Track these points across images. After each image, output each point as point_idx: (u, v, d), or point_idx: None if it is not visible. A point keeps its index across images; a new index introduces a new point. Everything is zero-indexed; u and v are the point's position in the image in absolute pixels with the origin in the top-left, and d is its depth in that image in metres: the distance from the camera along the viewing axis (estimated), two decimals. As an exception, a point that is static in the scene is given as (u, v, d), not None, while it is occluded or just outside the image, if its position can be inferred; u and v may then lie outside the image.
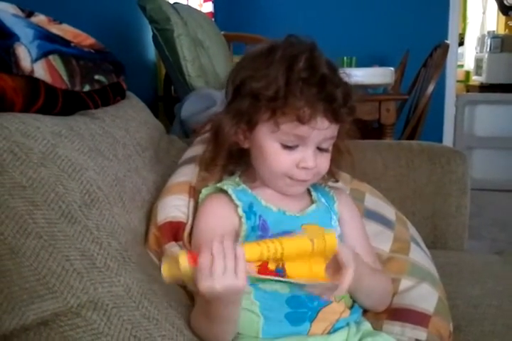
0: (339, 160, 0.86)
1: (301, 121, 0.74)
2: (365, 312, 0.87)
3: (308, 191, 0.88)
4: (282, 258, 0.69)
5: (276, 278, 0.72)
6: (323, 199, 0.87)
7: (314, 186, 0.88)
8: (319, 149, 0.79)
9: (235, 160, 0.86)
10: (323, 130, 0.76)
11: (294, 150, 0.78)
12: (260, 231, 0.79)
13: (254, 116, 0.78)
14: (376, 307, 0.88)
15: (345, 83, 0.78)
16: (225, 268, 0.62)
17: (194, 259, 0.63)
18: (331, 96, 0.74)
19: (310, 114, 0.74)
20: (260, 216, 0.80)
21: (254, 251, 0.66)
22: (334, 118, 0.76)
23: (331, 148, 0.82)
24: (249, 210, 0.80)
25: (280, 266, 0.72)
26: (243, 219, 0.79)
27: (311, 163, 0.78)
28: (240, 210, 0.79)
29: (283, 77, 0.74)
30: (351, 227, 0.88)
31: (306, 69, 0.74)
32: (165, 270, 0.64)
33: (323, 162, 0.80)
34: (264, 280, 0.75)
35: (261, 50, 0.80)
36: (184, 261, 0.63)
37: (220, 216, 0.80)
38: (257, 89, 0.76)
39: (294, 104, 0.73)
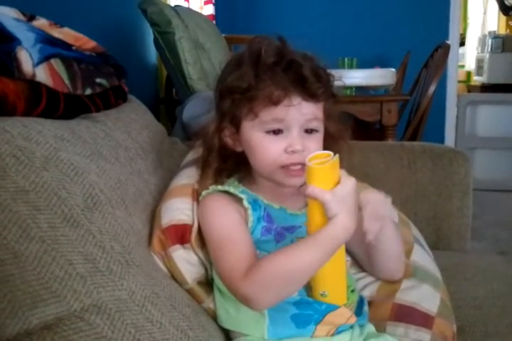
0: (334, 146, 0.84)
1: (273, 102, 0.75)
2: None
3: None
4: None
5: None
6: None
7: None
8: (307, 132, 0.79)
9: (231, 165, 0.86)
10: (301, 109, 0.76)
11: (279, 137, 0.78)
12: (266, 222, 0.81)
13: (236, 113, 0.79)
14: (393, 269, 0.90)
15: (319, 67, 0.80)
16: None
17: None
18: (300, 76, 0.76)
19: (282, 95, 0.75)
20: (265, 208, 0.81)
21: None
22: (309, 96, 0.77)
23: (321, 130, 0.82)
24: (254, 202, 0.81)
25: None
26: (249, 211, 0.80)
27: (297, 146, 0.77)
28: (245, 202, 0.80)
29: (252, 69, 0.77)
30: None
31: (273, 56, 0.77)
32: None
33: (313, 144, 0.79)
34: None
35: (234, 56, 0.84)
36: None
37: (230, 210, 0.80)
38: (231, 86, 0.79)
39: (265, 89, 0.76)
